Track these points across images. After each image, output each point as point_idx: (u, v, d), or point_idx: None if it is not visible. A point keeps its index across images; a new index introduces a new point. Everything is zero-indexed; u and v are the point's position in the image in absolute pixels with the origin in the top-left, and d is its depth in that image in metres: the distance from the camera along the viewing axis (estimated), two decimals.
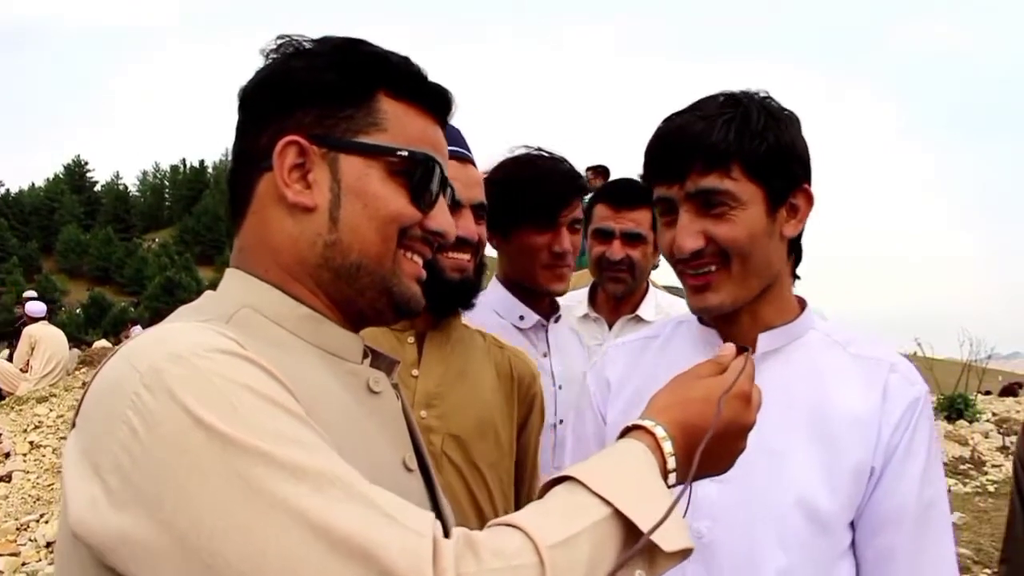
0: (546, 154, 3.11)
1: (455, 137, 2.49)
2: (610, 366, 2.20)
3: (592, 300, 3.98)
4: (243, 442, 1.04)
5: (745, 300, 1.90)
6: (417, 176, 1.41)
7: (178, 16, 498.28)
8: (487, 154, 2.87)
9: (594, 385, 2.21)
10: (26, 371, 13.68)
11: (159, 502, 1.03)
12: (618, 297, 3.80)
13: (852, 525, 1.90)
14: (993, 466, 13.83)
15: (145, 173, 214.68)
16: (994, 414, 18.52)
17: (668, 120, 1.91)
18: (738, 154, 1.80)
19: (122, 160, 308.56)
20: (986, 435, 16.21)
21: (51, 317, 17.16)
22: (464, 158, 2.47)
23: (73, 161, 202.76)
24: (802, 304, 2.04)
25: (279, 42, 1.44)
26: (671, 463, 1.29)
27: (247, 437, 1.04)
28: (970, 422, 17.42)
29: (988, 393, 22.40)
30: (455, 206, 2.32)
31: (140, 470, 1.05)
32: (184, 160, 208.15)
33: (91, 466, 1.09)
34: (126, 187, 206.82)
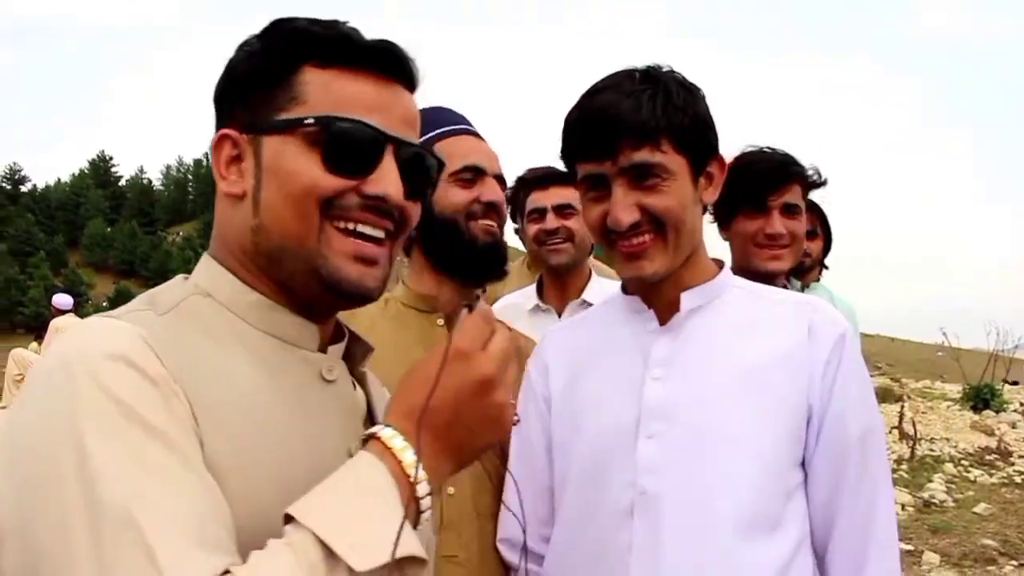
0: (767, 149, 3.19)
1: (464, 118, 2.54)
2: (548, 350, 2.25)
3: (540, 292, 4.08)
4: (82, 463, 1.04)
5: (674, 267, 1.95)
6: (329, 140, 1.31)
7: (202, 12, 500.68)
8: None
9: (535, 371, 2.24)
10: None
11: (17, 490, 1.07)
12: (558, 275, 3.96)
13: (803, 467, 1.94)
14: (1020, 456, 13.76)
15: (169, 167, 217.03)
16: (1021, 404, 18.43)
17: (587, 99, 1.94)
18: (667, 128, 1.85)
19: (146, 154, 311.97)
20: (1013, 425, 16.12)
21: (78, 310, 17.19)
22: (476, 133, 2.52)
23: (98, 156, 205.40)
24: (720, 265, 2.11)
25: (238, 46, 1.43)
26: (407, 458, 1.18)
27: (88, 457, 1.05)
28: (996, 412, 17.33)
29: (1015, 383, 22.24)
30: (480, 172, 2.39)
31: (17, 451, 1.10)
32: (207, 154, 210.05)
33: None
34: (150, 181, 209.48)
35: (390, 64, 1.38)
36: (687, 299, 2.00)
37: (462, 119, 2.53)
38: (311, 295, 1.36)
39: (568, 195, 3.83)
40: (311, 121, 1.30)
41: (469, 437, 1.24)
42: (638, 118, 1.84)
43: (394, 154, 1.36)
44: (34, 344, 15.13)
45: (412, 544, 1.11)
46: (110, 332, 1.17)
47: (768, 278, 2.99)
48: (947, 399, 20.08)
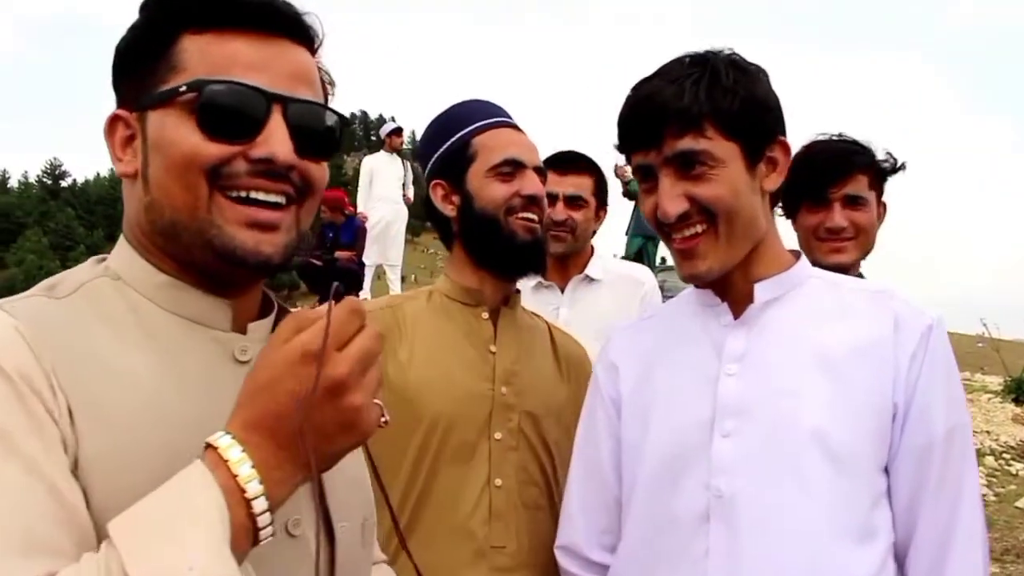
0: (834, 136, 3.12)
1: (503, 110, 2.54)
2: (615, 350, 2.18)
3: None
4: None
5: (733, 262, 1.88)
6: (206, 106, 1.25)
7: None
8: None
9: (602, 373, 2.18)
10: None
11: None
12: (559, 257, 3.99)
13: (887, 471, 1.84)
14: None
15: None
16: None
17: (636, 88, 1.89)
18: (711, 113, 1.78)
19: None
20: None
21: None
22: (515, 125, 2.51)
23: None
24: (796, 255, 2.02)
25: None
26: (244, 471, 1.09)
27: None
28: None
29: None
30: (519, 166, 2.39)
31: None
32: None
33: None
34: None
35: (271, 20, 1.31)
36: (762, 290, 1.93)
37: (500, 111, 2.52)
38: (209, 267, 1.31)
39: (583, 184, 3.93)
40: (184, 88, 1.25)
41: (320, 443, 1.14)
42: (680, 104, 1.78)
43: (282, 113, 1.29)
44: None
45: (222, 569, 1.03)
46: None
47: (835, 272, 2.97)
48: (988, 391, 19.81)
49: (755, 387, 1.86)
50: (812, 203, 3.00)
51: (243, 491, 1.08)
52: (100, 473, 1.13)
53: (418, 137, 2.73)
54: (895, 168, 3.12)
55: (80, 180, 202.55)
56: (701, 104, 1.77)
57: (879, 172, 3.07)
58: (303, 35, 1.35)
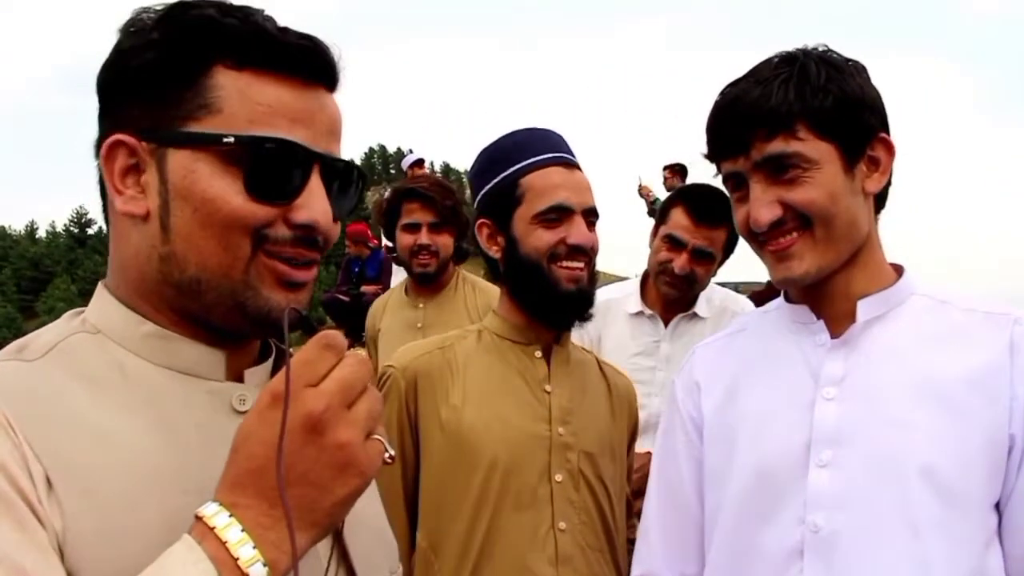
0: None
1: (560, 142, 2.42)
2: (698, 367, 2.04)
3: (643, 295, 3.88)
4: None
5: (832, 267, 1.75)
6: (254, 166, 1.15)
7: None
8: None
9: (682, 391, 2.04)
10: None
11: None
12: (669, 300, 3.77)
13: (997, 508, 1.68)
14: None
15: None
16: None
17: (724, 92, 1.80)
18: (802, 113, 1.68)
19: None
20: None
21: None
22: (570, 163, 2.39)
23: None
24: (898, 270, 1.88)
25: (129, 18, 1.21)
26: (231, 536, 1.00)
27: None
28: None
29: None
30: (566, 212, 2.29)
31: None
32: None
33: None
34: None
35: (313, 66, 1.22)
36: (865, 308, 1.78)
37: (552, 144, 2.42)
38: (230, 327, 1.21)
39: (714, 239, 3.55)
40: (232, 140, 1.15)
41: (316, 494, 1.03)
42: (768, 106, 1.69)
43: (320, 173, 1.22)
44: None
45: None
46: None
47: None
48: None
49: (856, 414, 1.72)
50: None
51: (235, 559, 0.99)
52: (88, 548, 1.03)
53: (438, 169, 2.70)
54: None
55: (105, 228, 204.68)
56: (791, 104, 1.67)
57: None
58: (336, 82, 1.27)
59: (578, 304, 2.33)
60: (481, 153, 2.50)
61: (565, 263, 2.28)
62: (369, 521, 1.36)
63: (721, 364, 1.99)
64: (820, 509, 1.69)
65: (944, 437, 1.65)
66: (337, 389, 1.03)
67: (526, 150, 2.37)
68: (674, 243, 3.55)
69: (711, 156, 1.83)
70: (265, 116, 1.16)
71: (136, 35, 1.18)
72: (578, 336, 3.83)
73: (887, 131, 1.78)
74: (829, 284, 1.78)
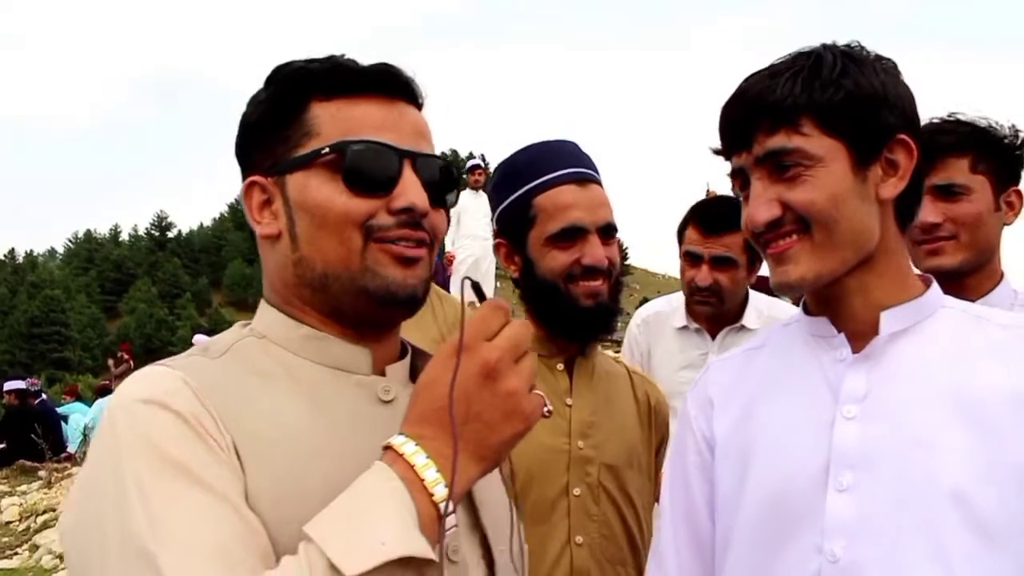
0: (936, 119, 2.60)
1: (573, 155, 2.37)
2: (712, 384, 1.89)
3: (688, 309, 3.85)
4: (114, 497, 1.17)
5: (834, 274, 1.60)
6: (349, 166, 1.35)
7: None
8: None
9: (695, 408, 1.89)
10: None
11: (75, 530, 1.23)
12: (701, 316, 3.76)
13: None
14: None
15: None
16: None
17: (737, 87, 1.67)
18: (808, 106, 1.55)
19: None
20: None
21: None
22: (584, 178, 2.33)
23: (236, 200, 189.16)
24: (926, 281, 1.72)
25: (248, 100, 1.48)
26: (419, 460, 1.18)
27: (119, 493, 1.16)
28: None
29: None
30: (579, 232, 2.25)
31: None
32: None
33: None
34: None
35: (391, 85, 1.42)
36: (889, 320, 1.62)
37: (566, 158, 2.35)
38: (359, 311, 1.39)
39: (729, 244, 3.57)
40: (326, 150, 1.35)
41: (487, 432, 1.21)
42: (772, 98, 1.57)
43: (412, 167, 1.39)
44: None
45: (414, 544, 1.11)
46: (150, 378, 1.27)
47: (942, 279, 2.29)
48: None
49: (879, 434, 1.57)
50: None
51: (422, 480, 1.16)
52: (266, 504, 1.21)
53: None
54: (1017, 148, 2.53)
55: (184, 230, 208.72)
56: (796, 97, 1.55)
57: (993, 152, 2.48)
58: (416, 96, 1.46)
59: (599, 319, 2.30)
60: (497, 168, 2.47)
61: (583, 282, 2.25)
62: (494, 493, 1.52)
63: (736, 381, 1.85)
64: (839, 537, 1.55)
65: (976, 460, 1.50)
66: (508, 345, 1.22)
67: (538, 168, 2.33)
68: (692, 259, 3.61)
69: (721, 151, 1.72)
70: (354, 128, 1.37)
71: (252, 101, 1.46)
72: (628, 349, 4.18)
73: (911, 133, 1.62)
74: (845, 293, 1.65)
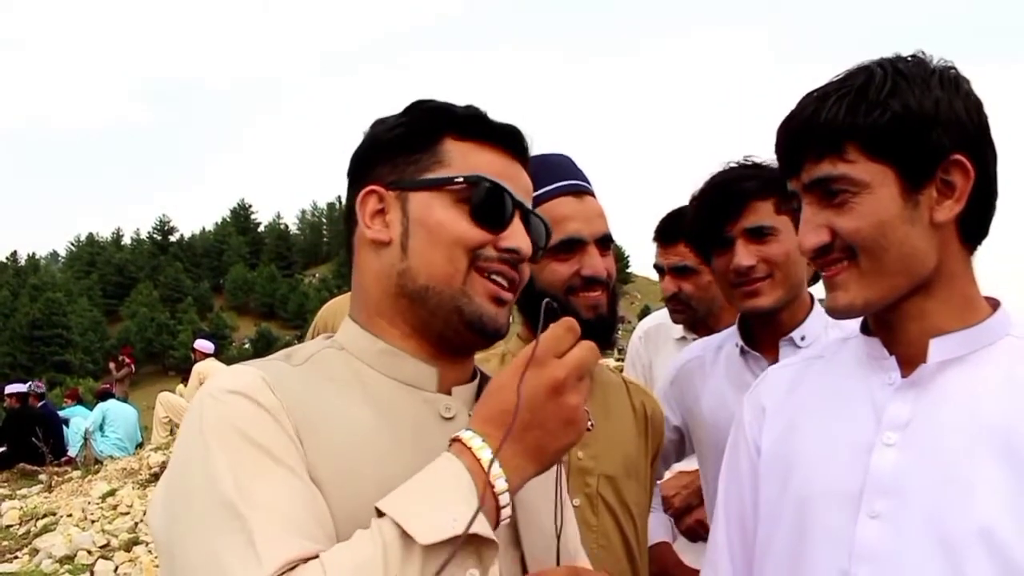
0: (734, 164, 2.66)
1: (568, 168, 2.39)
2: (767, 391, 1.87)
3: (744, 331, 3.25)
4: (202, 470, 1.29)
5: (884, 301, 1.57)
6: (476, 199, 1.49)
7: (319, 64, 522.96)
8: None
9: (749, 413, 1.87)
10: None
11: (160, 503, 1.35)
12: (683, 324, 3.79)
13: None
14: None
15: (304, 212, 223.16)
16: None
17: (794, 107, 1.64)
18: (852, 131, 1.51)
19: (282, 200, 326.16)
20: None
21: (221, 352, 18.04)
22: (579, 190, 2.34)
23: (238, 204, 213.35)
24: (994, 306, 1.64)
25: (373, 122, 1.63)
26: (484, 455, 1.29)
27: (207, 467, 1.28)
28: None
29: None
30: (577, 244, 2.27)
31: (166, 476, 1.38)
32: (339, 197, 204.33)
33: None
34: (287, 226, 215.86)
35: (514, 143, 1.58)
36: (939, 347, 1.57)
37: (560, 171, 2.36)
38: (450, 329, 1.51)
39: (684, 253, 3.51)
40: (460, 180, 1.50)
41: (546, 438, 1.33)
42: (816, 124, 1.55)
43: (521, 217, 1.55)
44: (180, 387, 15.95)
45: (480, 525, 1.21)
46: (235, 374, 1.40)
47: (762, 319, 2.56)
48: None
49: (917, 464, 1.54)
50: (717, 246, 2.57)
51: (486, 473, 1.27)
52: (319, 487, 1.33)
53: None
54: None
55: (187, 234, 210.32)
56: (840, 122, 1.52)
57: (788, 193, 2.42)
58: (527, 160, 1.63)
59: (599, 331, 2.26)
60: None
61: (583, 294, 2.26)
62: (540, 523, 1.61)
63: (789, 391, 1.82)
64: (865, 563, 1.53)
65: (1012, 500, 1.45)
66: (575, 364, 1.35)
67: (534, 182, 2.11)
68: (658, 271, 3.70)
69: (781, 175, 1.69)
70: (481, 168, 1.52)
71: (384, 123, 1.60)
72: (631, 362, 4.24)
73: (969, 152, 1.54)
74: (902, 318, 1.60)
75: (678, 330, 3.92)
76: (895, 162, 1.52)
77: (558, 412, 1.33)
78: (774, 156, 1.70)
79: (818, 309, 2.67)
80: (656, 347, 4.11)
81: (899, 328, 1.62)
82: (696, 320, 3.68)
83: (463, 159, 1.53)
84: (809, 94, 1.62)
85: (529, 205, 1.61)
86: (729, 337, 2.79)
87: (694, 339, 3.70)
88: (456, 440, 1.33)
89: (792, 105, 1.66)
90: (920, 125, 1.51)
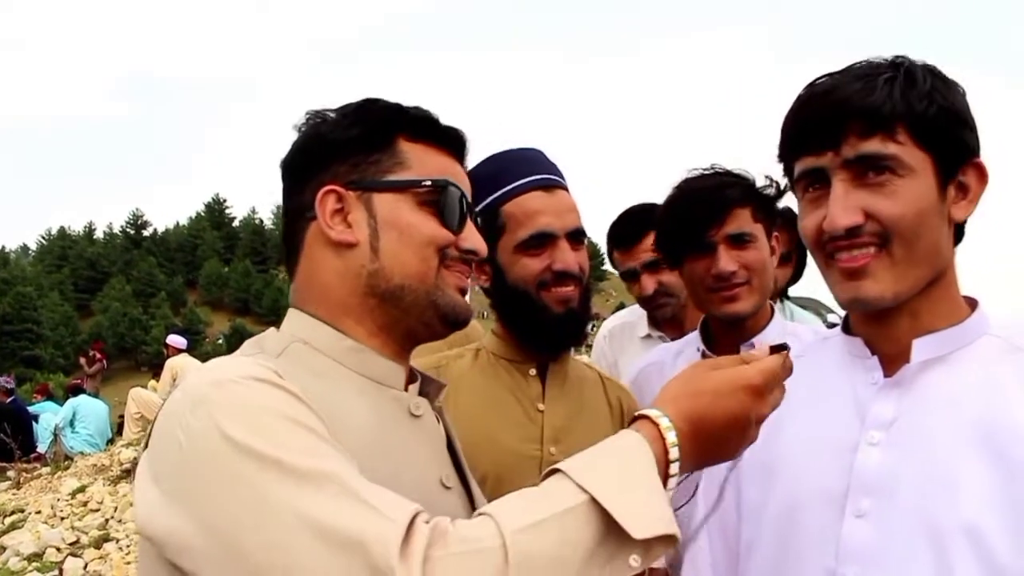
0: (706, 171, 2.68)
1: (539, 163, 2.38)
2: None
3: (652, 319, 3.90)
4: (260, 452, 1.20)
5: (909, 294, 1.55)
6: (442, 201, 1.56)
7: (303, 64, 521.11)
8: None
9: None
10: None
11: (196, 503, 1.23)
12: (667, 319, 3.78)
13: None
14: None
15: (279, 207, 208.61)
16: None
17: (812, 85, 1.61)
18: (906, 115, 1.49)
19: (257, 195, 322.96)
20: None
21: (194, 348, 17.72)
22: (551, 184, 2.33)
23: (213, 199, 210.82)
24: (972, 305, 1.66)
25: (307, 116, 1.64)
26: (673, 453, 1.28)
27: (264, 448, 1.20)
28: None
29: None
30: (548, 238, 2.25)
31: (183, 477, 1.25)
32: None
33: (152, 476, 1.30)
34: (262, 221, 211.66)
35: (459, 145, 1.67)
36: (921, 348, 1.57)
37: (532, 165, 2.36)
38: (424, 324, 1.57)
39: (650, 247, 3.46)
40: (428, 183, 1.56)
41: (715, 451, 1.36)
42: (870, 101, 1.50)
43: (471, 216, 1.64)
44: (152, 383, 15.73)
45: (674, 526, 1.20)
46: (240, 364, 1.37)
47: (730, 325, 2.63)
48: None
49: (901, 463, 1.54)
50: (695, 250, 2.59)
51: (667, 454, 1.28)
52: None
53: None
54: (780, 193, 2.66)
55: (160, 229, 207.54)
56: (895, 103, 1.49)
57: (763, 202, 2.64)
58: (463, 158, 1.71)
59: (570, 326, 2.29)
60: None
61: (554, 289, 2.25)
62: None
63: None
64: (852, 563, 1.54)
65: (997, 497, 1.45)
66: (774, 405, 1.42)
67: (505, 176, 2.32)
68: (630, 277, 3.78)
69: (789, 150, 1.63)
70: (440, 171, 1.59)
71: (332, 122, 1.61)
72: (595, 362, 4.13)
73: (979, 157, 1.60)
74: (894, 314, 1.60)
75: (643, 329, 3.95)
76: (936, 152, 1.52)
77: (742, 441, 1.38)
78: (754, 161, 1.76)
79: (777, 317, 2.74)
80: (621, 346, 4.13)
81: (889, 326, 1.62)
82: (674, 312, 3.70)
83: (420, 161, 1.58)
84: (833, 75, 1.60)
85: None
86: (689, 343, 2.84)
87: (660, 337, 3.80)
88: (650, 421, 1.32)
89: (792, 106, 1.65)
90: (957, 123, 1.54)
